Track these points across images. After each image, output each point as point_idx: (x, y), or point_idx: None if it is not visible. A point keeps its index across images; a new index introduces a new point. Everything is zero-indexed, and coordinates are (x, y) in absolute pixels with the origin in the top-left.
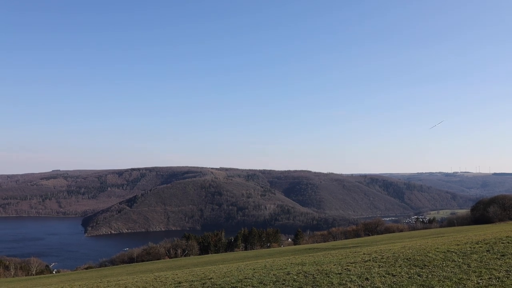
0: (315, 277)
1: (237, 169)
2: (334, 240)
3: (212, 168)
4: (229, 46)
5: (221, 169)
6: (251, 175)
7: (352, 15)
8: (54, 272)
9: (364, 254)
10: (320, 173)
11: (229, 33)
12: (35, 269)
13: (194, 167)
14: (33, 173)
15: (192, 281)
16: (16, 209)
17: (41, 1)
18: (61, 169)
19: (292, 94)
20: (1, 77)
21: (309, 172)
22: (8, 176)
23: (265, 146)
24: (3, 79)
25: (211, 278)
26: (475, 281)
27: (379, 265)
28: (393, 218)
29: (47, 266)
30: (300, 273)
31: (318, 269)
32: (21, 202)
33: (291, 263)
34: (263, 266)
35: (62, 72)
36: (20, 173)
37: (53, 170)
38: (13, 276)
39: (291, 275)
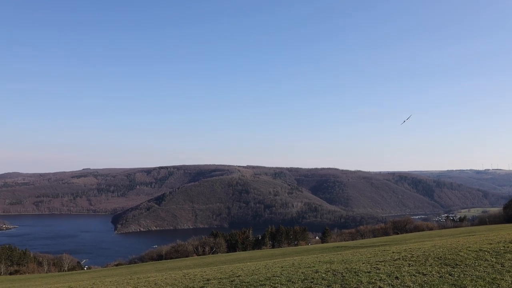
0: (344, 276)
1: (264, 167)
2: (362, 239)
3: (239, 166)
4: (252, 45)
5: (248, 167)
6: (278, 173)
7: (382, 13)
8: (85, 268)
9: (393, 252)
10: (347, 170)
11: (257, 31)
12: (67, 265)
13: (221, 165)
14: (64, 172)
15: (220, 278)
16: (48, 207)
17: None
18: (91, 168)
19: (319, 91)
20: (29, 76)
21: (337, 169)
22: (41, 175)
23: (292, 144)
24: (31, 79)
25: (239, 275)
26: (509, 281)
27: (409, 264)
28: (423, 216)
29: (78, 262)
30: (328, 271)
31: (346, 268)
32: (53, 200)
33: (319, 261)
34: (291, 264)
35: (94, 71)
36: (52, 171)
37: (83, 169)
38: (46, 272)
39: (319, 273)
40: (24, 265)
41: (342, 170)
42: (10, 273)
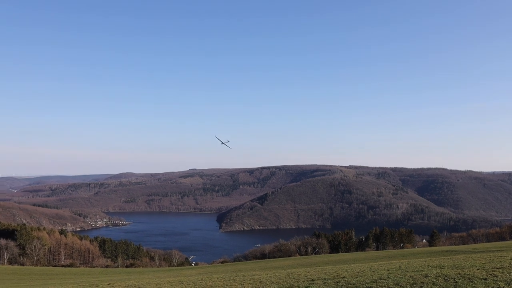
0: (457, 282)
1: (366, 167)
2: (475, 243)
3: (341, 166)
4: (355, 39)
5: (350, 167)
6: (381, 173)
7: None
8: (192, 264)
9: (511, 259)
10: (456, 170)
11: (355, 26)
12: (176, 261)
13: (322, 165)
14: (172, 172)
15: (325, 279)
16: (158, 205)
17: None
18: (197, 168)
19: (427, 87)
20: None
21: (445, 169)
22: (152, 175)
23: (395, 143)
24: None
25: (343, 277)
26: None
27: None
28: None
29: (186, 258)
30: (439, 276)
31: (459, 273)
32: (163, 198)
33: (428, 265)
34: (397, 267)
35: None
36: (162, 171)
37: (190, 169)
38: (158, 266)
39: (429, 277)
40: (138, 259)
41: (451, 170)
42: (126, 266)
